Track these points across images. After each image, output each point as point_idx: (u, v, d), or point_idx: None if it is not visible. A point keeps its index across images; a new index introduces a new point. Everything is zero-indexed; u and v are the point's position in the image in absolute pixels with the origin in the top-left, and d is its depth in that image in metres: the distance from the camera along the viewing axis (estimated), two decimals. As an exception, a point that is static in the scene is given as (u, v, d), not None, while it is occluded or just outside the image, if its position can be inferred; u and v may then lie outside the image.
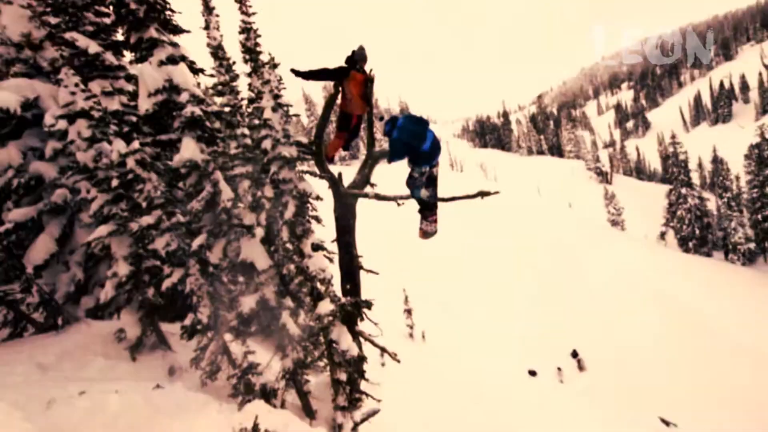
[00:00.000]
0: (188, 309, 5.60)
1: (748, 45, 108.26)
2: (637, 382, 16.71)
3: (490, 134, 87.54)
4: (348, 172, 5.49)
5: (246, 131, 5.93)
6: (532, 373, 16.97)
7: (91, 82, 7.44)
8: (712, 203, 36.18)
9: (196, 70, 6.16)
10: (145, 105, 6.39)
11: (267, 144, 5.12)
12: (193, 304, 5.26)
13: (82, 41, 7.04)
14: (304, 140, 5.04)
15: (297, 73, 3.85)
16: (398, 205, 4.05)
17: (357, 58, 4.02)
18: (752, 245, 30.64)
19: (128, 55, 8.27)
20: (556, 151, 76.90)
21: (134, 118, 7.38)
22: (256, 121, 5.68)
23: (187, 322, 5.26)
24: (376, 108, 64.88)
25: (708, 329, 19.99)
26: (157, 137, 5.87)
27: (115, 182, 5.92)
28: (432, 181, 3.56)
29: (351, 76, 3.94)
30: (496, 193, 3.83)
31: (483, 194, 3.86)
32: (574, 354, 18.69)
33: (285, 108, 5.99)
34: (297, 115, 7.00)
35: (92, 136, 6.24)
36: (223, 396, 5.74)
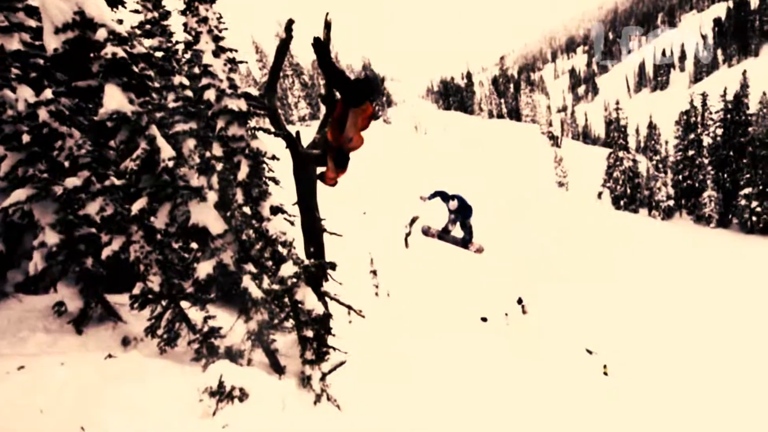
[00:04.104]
0: (137, 278, 5.24)
1: (690, 14, 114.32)
2: (569, 320, 19.45)
3: (453, 96, 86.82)
4: (307, 133, 5.17)
5: (185, 81, 5.23)
6: (484, 319, 18.97)
7: (-24, 13, 5.96)
8: (643, 165, 40.30)
9: (114, 2, 5.12)
10: (52, 44, 5.28)
11: (210, 95, 4.56)
12: (140, 272, 4.91)
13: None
14: (254, 92, 4.57)
15: (320, 47, 2.86)
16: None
17: (373, 88, 3.00)
18: (671, 202, 35.14)
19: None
20: (515, 114, 78.89)
21: (42, 61, 6.15)
22: (196, 70, 5.01)
23: (136, 291, 4.94)
24: (337, 63, 60.53)
25: (629, 273, 23.44)
26: (73, 84, 4.96)
27: (26, 138, 5.04)
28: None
29: (363, 105, 3.03)
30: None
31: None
32: (519, 301, 21.12)
33: (229, 53, 5.29)
34: (244, 62, 6.19)
35: (-13, 81, 5.16)
36: (185, 361, 5.67)
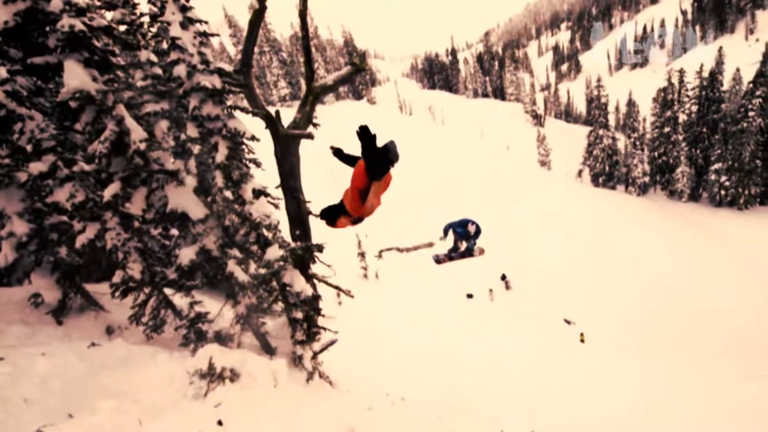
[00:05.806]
0: (116, 266, 5.10)
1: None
2: (550, 295, 20.36)
3: (438, 74, 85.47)
4: (287, 113, 4.98)
5: (153, 57, 4.90)
6: (470, 296, 19.61)
7: None
8: (622, 143, 41.26)
9: (67, -31, 4.63)
10: (2, 16, 4.82)
11: (180, 71, 4.29)
12: (119, 260, 4.77)
13: None
14: (228, 68, 4.32)
15: (368, 137, 2.78)
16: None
17: (392, 158, 2.97)
18: (647, 179, 36.41)
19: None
20: (499, 93, 78.57)
21: (-10, 36, 5.62)
22: (164, 45, 4.69)
23: (117, 279, 4.82)
24: (317, 39, 57.93)
25: (607, 248, 24.47)
26: (29, 61, 4.56)
27: (-20, 122, 4.67)
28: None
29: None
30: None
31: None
32: (503, 277, 21.86)
33: (199, 25, 4.94)
34: (216, 35, 5.77)
35: (-72, 58, 4.70)
36: (173, 347, 5.65)
